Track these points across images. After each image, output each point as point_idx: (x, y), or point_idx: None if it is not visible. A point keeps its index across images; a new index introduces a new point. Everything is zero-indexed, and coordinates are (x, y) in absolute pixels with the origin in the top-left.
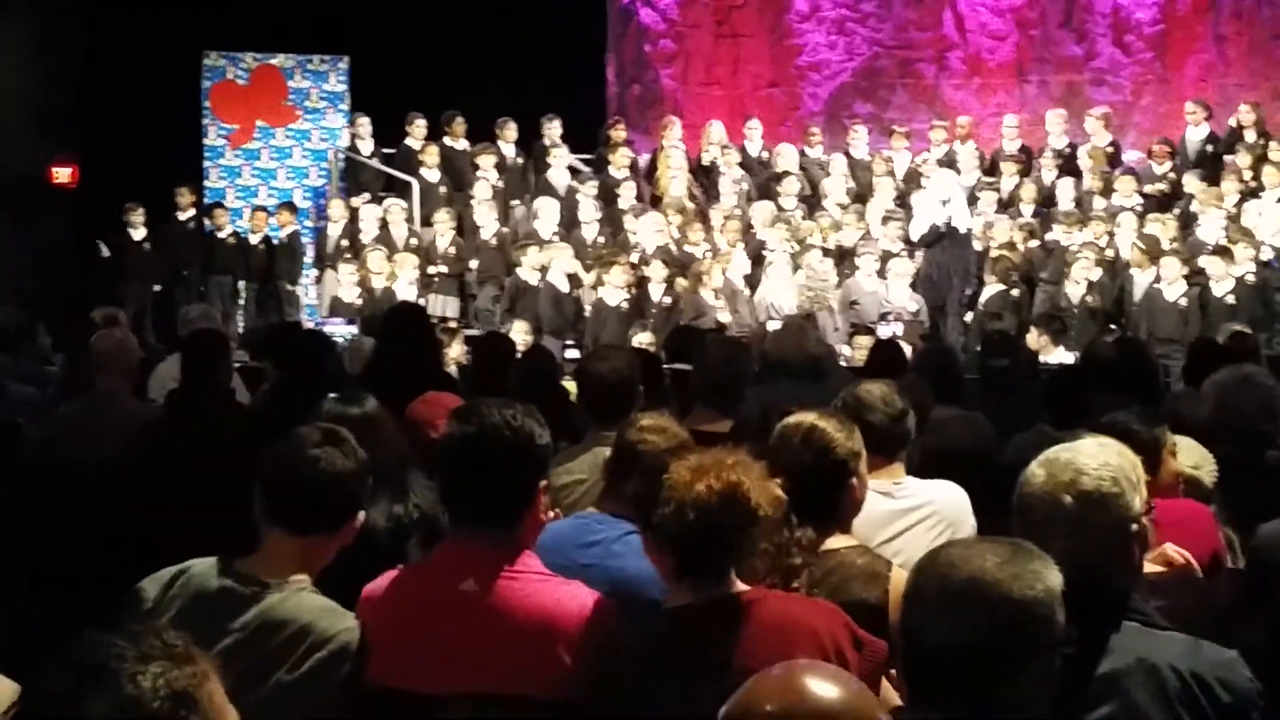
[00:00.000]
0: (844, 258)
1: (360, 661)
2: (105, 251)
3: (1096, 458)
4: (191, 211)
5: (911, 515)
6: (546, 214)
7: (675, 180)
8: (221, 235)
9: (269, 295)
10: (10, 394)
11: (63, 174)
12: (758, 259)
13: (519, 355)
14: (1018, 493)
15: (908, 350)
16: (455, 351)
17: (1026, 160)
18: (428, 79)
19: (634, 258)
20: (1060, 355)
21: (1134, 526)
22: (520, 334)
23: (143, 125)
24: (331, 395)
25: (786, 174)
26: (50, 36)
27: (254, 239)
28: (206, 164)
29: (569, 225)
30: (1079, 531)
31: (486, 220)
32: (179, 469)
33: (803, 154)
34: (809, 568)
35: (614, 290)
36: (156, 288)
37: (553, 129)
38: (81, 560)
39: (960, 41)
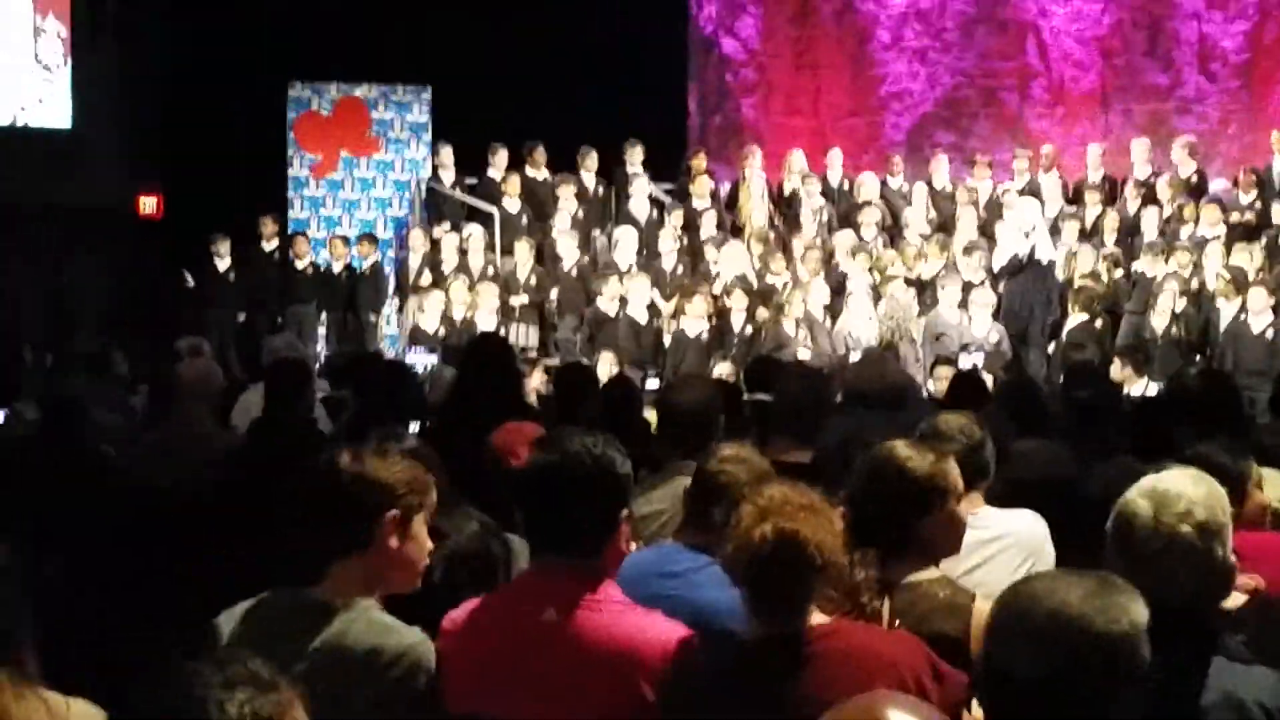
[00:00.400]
0: (925, 288)
1: (436, 680)
2: (190, 281)
3: (1199, 489)
4: (275, 241)
5: (991, 546)
6: (626, 244)
7: (756, 210)
8: (302, 265)
9: (351, 325)
10: (96, 421)
11: (149, 204)
12: (839, 289)
13: (600, 385)
14: (1117, 524)
15: (989, 381)
16: (535, 381)
17: (1110, 190)
18: (510, 109)
19: (715, 288)
20: (1144, 387)
21: (1232, 560)
22: (603, 365)
23: (228, 156)
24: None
25: (868, 204)
26: (136, 68)
27: (336, 268)
28: (291, 194)
29: (649, 255)
30: (1188, 563)
31: (567, 250)
32: (261, 497)
33: (884, 183)
34: (890, 600)
35: (694, 320)
36: (241, 317)
37: (634, 155)
38: (164, 589)
39: (1044, 70)
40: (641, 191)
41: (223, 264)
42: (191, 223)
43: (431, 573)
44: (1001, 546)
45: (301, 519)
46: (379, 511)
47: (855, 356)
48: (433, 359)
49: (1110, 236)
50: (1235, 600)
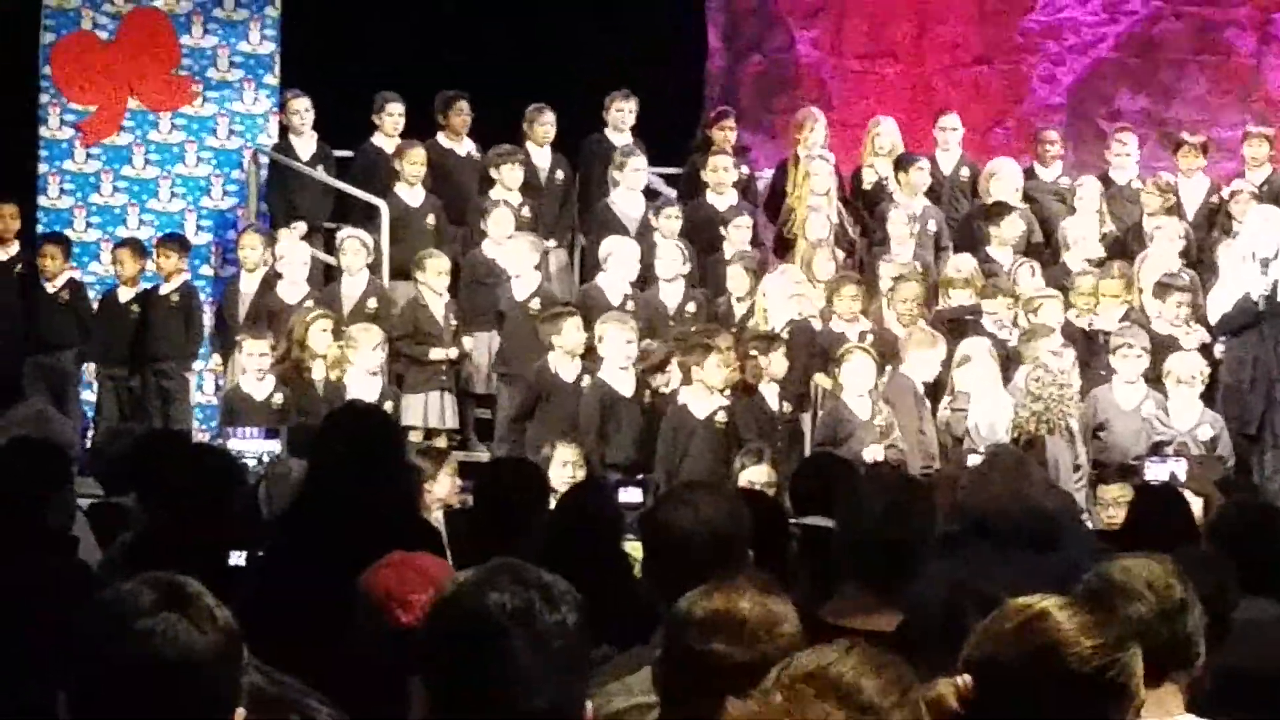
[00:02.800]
0: (1094, 348)
1: None
2: None
3: None
4: (14, 248)
5: None
6: (622, 264)
7: (815, 214)
8: (56, 286)
9: (138, 386)
10: None
11: None
12: (948, 346)
13: (551, 496)
14: None
15: (1196, 506)
16: (443, 488)
17: None
18: (410, 37)
19: (744, 338)
20: None
21: None
22: (556, 462)
23: None
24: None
25: (1002, 207)
26: None
27: (121, 296)
28: (42, 169)
29: (639, 282)
30: None
31: (508, 268)
32: None
33: (1031, 174)
34: None
35: (706, 393)
36: None
37: (621, 117)
38: None
39: None
40: (634, 178)
41: None
42: None
43: None
44: None
45: (105, 703)
46: (231, 705)
47: (973, 460)
48: (273, 446)
49: None
50: None
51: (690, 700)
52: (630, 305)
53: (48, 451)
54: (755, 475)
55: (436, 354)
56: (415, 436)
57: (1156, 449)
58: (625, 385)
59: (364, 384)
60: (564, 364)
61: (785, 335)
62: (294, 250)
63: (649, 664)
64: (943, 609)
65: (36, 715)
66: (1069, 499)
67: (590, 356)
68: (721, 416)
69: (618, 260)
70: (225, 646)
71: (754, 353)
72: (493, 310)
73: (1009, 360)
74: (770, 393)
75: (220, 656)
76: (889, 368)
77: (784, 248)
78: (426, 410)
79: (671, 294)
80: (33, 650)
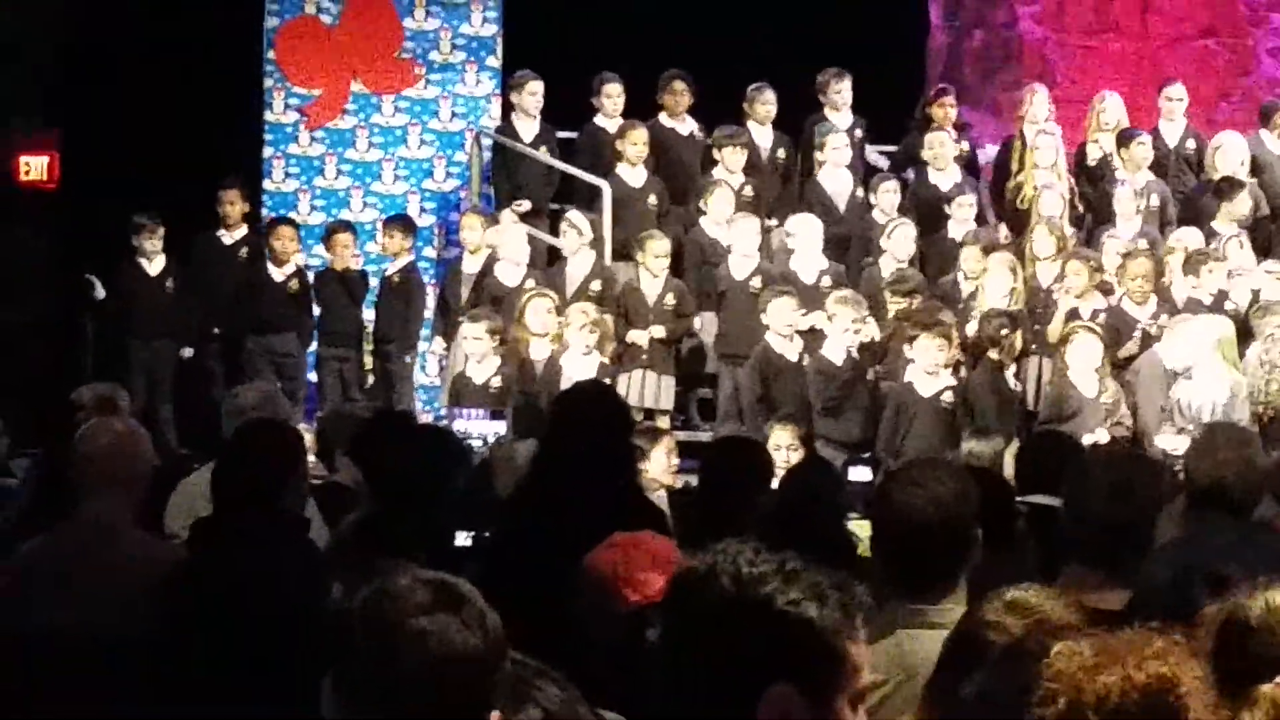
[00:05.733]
0: None
1: None
2: (100, 292)
3: None
4: (242, 230)
5: None
6: (809, 241)
7: (1047, 192)
8: (285, 271)
9: (362, 368)
10: None
11: (36, 166)
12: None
13: (776, 475)
14: None
15: None
16: (657, 467)
17: None
18: (631, 20)
19: (970, 319)
20: None
21: None
22: (779, 441)
23: (161, 91)
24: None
25: (1231, 182)
26: None
27: (343, 275)
28: (268, 154)
29: (854, 259)
30: None
31: (732, 251)
32: (216, 643)
33: (1258, 148)
34: None
35: (928, 373)
36: (186, 352)
37: (839, 96)
38: None
39: None
40: (842, 155)
41: (153, 266)
42: (102, 197)
43: None
44: None
45: (369, 694)
46: (490, 706)
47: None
48: (498, 427)
49: None
50: None
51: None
52: (827, 281)
53: (282, 434)
54: (981, 451)
55: (634, 336)
56: (635, 416)
57: None
58: (849, 365)
59: (580, 364)
60: (783, 343)
61: (1006, 320)
62: (513, 232)
63: (876, 643)
64: (1173, 588)
65: (283, 699)
66: None
67: (811, 335)
68: (948, 396)
69: (804, 238)
70: (493, 649)
71: (1004, 330)
72: (714, 290)
73: (1245, 337)
74: (1010, 373)
75: (487, 658)
76: (1114, 341)
77: (1012, 224)
78: (643, 390)
79: (892, 271)
80: (273, 634)
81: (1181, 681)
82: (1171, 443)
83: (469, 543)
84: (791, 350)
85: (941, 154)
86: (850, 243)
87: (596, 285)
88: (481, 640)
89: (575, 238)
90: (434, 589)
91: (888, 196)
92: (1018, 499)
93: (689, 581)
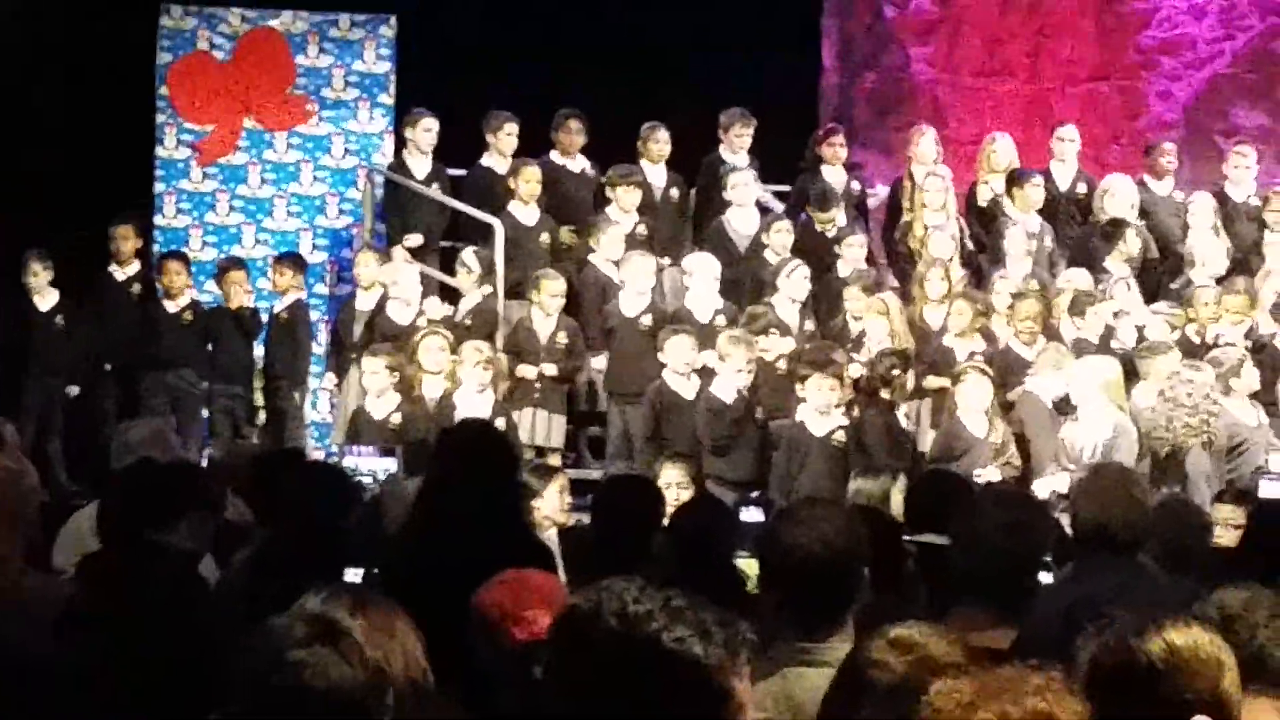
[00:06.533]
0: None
1: None
2: None
3: None
4: (134, 267)
5: None
6: (706, 280)
7: (936, 233)
8: (177, 306)
9: (253, 405)
10: None
11: None
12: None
13: (666, 514)
14: None
15: None
16: (550, 505)
17: None
18: (526, 57)
19: (859, 360)
20: None
21: None
22: (669, 479)
23: (51, 127)
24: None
25: (1120, 224)
26: None
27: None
28: (159, 189)
29: (750, 300)
30: None
31: (625, 290)
32: (105, 684)
33: (1145, 190)
34: None
35: (820, 413)
36: (72, 390)
37: (737, 138)
38: None
39: None
40: (746, 195)
41: (44, 302)
42: None
43: None
44: None
45: None
46: None
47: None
48: (389, 464)
49: None
50: None
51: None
52: (721, 321)
53: (172, 470)
54: (869, 490)
55: (523, 370)
56: (526, 454)
57: (1272, 467)
58: (740, 404)
59: (473, 401)
60: (679, 381)
61: (900, 359)
62: (406, 269)
63: (763, 683)
64: (1060, 625)
65: None
66: (1203, 515)
67: (704, 374)
68: (840, 435)
69: (700, 277)
70: (372, 682)
71: (895, 370)
72: (605, 328)
73: (1130, 376)
74: (900, 411)
75: (367, 692)
76: (997, 379)
77: (902, 265)
78: (534, 428)
79: (787, 313)
80: (160, 670)
81: (1058, 718)
82: (1050, 485)
83: (359, 579)
84: (687, 389)
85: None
86: (747, 283)
87: (483, 322)
88: (360, 672)
89: (471, 275)
90: (313, 623)
91: (780, 236)
92: (907, 538)
93: (575, 619)
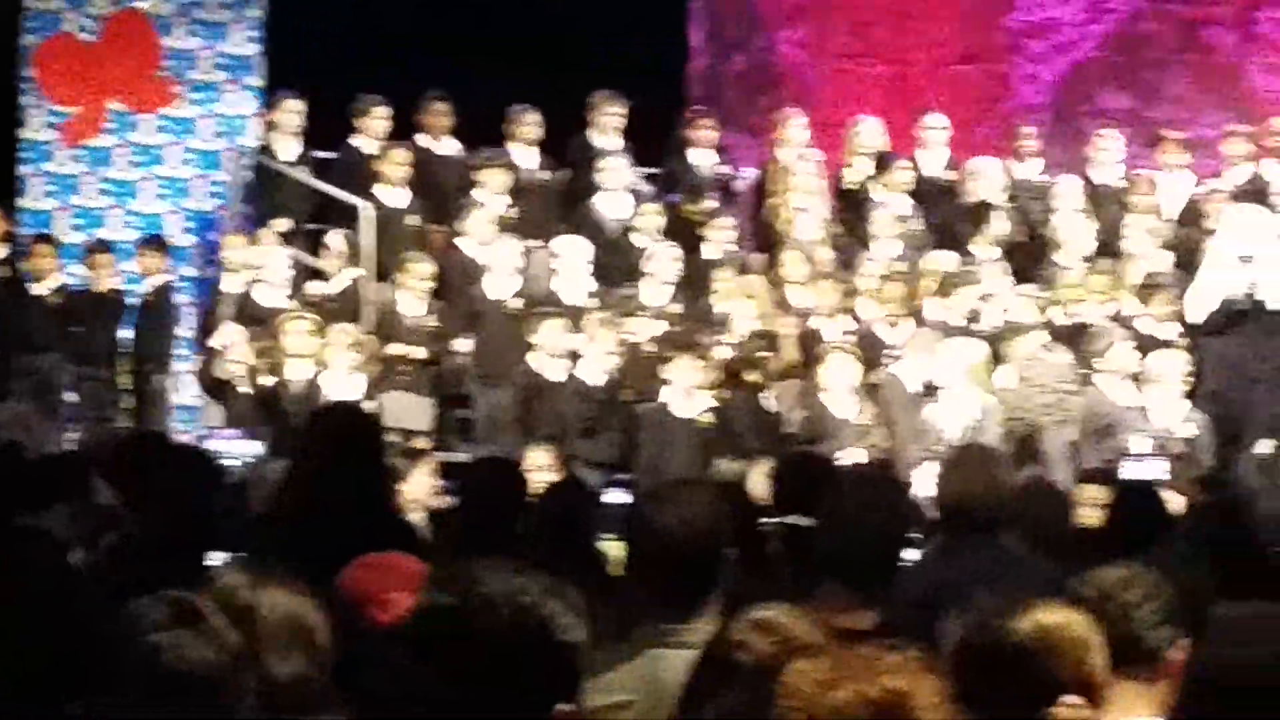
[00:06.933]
0: (1079, 346)
1: None
2: None
3: None
4: (0, 249)
5: None
6: (575, 263)
7: (803, 215)
8: (42, 290)
9: (120, 388)
10: None
11: None
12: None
13: (533, 496)
14: None
15: (1180, 505)
16: (419, 487)
17: None
18: (394, 41)
19: (726, 342)
20: None
21: None
22: (535, 462)
23: None
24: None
25: (986, 206)
26: None
27: (102, 294)
28: (23, 171)
29: (618, 282)
30: None
31: (492, 273)
32: None
33: (1012, 174)
34: None
35: (688, 394)
36: None
37: (605, 119)
38: None
39: None
40: (617, 178)
41: None
42: None
43: None
44: None
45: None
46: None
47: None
48: (254, 447)
49: None
50: None
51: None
52: (593, 304)
53: (37, 454)
54: (734, 472)
55: (393, 349)
56: (393, 438)
57: (1135, 449)
58: (607, 386)
59: (342, 384)
60: (546, 364)
61: (765, 341)
62: (274, 253)
63: (627, 664)
64: (920, 609)
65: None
66: (1063, 498)
67: (573, 357)
68: (705, 418)
69: (570, 260)
70: (231, 664)
71: (761, 352)
72: (472, 311)
73: (997, 358)
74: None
75: (226, 674)
76: (862, 362)
77: (770, 247)
78: (401, 412)
79: (655, 295)
80: (23, 655)
81: (915, 696)
82: (850, 454)
83: (225, 563)
84: (555, 371)
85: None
86: (616, 266)
87: (351, 304)
88: (217, 654)
89: (338, 258)
90: (172, 607)
91: (649, 219)
92: (773, 519)
93: (436, 602)
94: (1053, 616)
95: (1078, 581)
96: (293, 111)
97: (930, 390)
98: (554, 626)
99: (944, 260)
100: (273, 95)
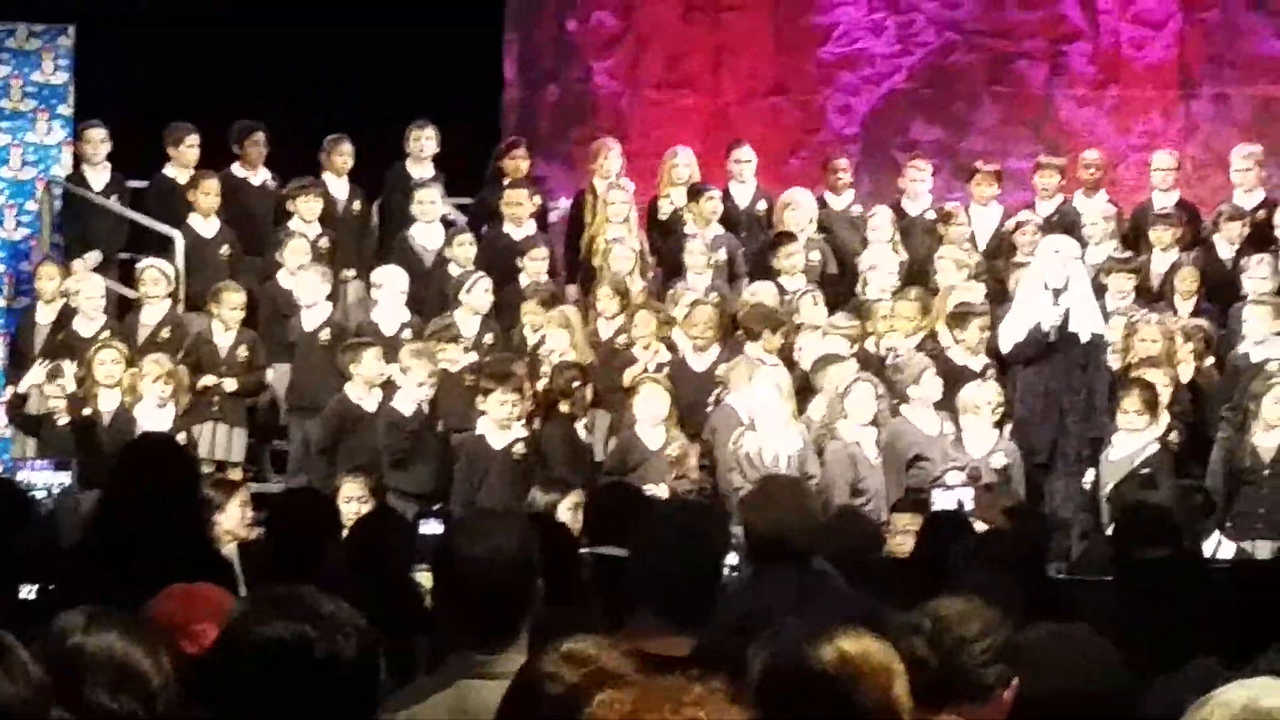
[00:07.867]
0: (888, 376)
1: None
2: None
3: None
4: None
5: None
6: (393, 294)
7: (617, 246)
8: None
9: None
10: None
11: None
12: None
13: (343, 526)
14: None
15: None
16: (231, 519)
17: (1192, 223)
18: (206, 68)
19: (542, 369)
20: (1246, 547)
21: None
22: (349, 493)
23: None
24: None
25: (785, 237)
26: None
27: None
28: None
29: (431, 312)
30: None
31: (304, 301)
32: None
33: (824, 205)
34: None
35: (500, 426)
36: None
37: (420, 146)
38: None
39: (1088, 29)
40: (428, 210)
41: None
42: None
43: None
44: None
45: None
46: None
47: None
48: (63, 478)
49: (1189, 301)
50: None
51: None
52: (408, 334)
53: None
54: (546, 503)
55: (206, 380)
56: (207, 469)
57: (944, 478)
58: (419, 416)
59: (153, 415)
60: (363, 395)
61: (577, 371)
62: (88, 282)
63: (437, 694)
64: (735, 636)
65: None
66: (872, 525)
67: (387, 387)
68: (520, 448)
69: (388, 290)
70: (36, 698)
71: (575, 382)
72: (286, 342)
73: (807, 388)
74: (582, 423)
75: (29, 708)
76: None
77: (584, 277)
78: (214, 442)
79: (469, 326)
80: None
81: None
82: (659, 489)
83: (33, 596)
84: (369, 401)
85: (517, 210)
86: (431, 296)
87: (166, 334)
88: (23, 690)
89: (153, 286)
90: None
91: (463, 250)
92: (584, 550)
93: (229, 633)
94: (855, 644)
95: (918, 611)
96: (99, 141)
97: (751, 421)
98: (355, 657)
99: (762, 292)
100: (83, 124)
